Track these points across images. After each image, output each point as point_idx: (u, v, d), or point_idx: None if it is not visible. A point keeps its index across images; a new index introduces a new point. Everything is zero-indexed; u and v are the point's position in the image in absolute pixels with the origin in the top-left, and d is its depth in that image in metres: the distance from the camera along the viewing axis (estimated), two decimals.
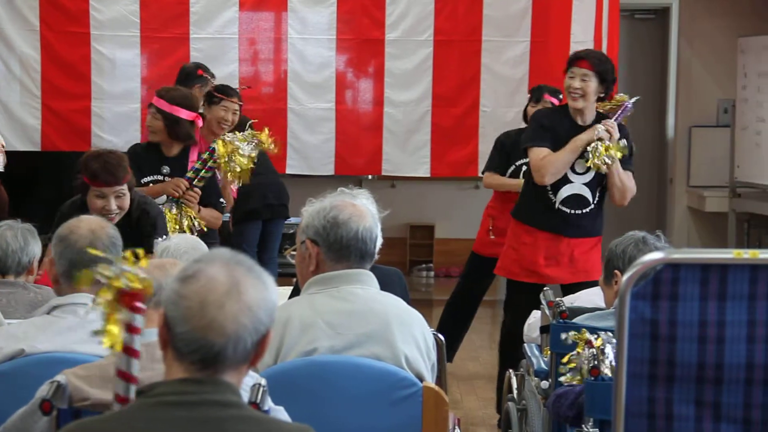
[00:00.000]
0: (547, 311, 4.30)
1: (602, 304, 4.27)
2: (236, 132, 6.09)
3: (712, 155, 10.36)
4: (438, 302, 9.89)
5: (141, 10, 8.23)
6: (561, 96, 7.28)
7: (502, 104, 8.33)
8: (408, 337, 3.26)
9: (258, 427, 2.11)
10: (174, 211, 5.65)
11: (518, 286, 5.81)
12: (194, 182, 5.72)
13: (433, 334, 3.46)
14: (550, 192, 5.67)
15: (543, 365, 4.23)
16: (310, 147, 8.38)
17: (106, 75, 8.25)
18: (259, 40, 8.45)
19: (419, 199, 10.95)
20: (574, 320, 4.03)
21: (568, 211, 5.66)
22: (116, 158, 4.96)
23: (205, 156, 5.79)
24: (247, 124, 6.22)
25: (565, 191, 5.66)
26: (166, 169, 5.79)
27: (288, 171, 8.19)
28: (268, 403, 2.64)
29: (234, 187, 6.23)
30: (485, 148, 8.23)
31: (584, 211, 5.66)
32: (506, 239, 5.94)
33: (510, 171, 6.72)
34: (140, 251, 2.36)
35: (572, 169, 5.66)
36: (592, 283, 5.40)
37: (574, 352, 3.42)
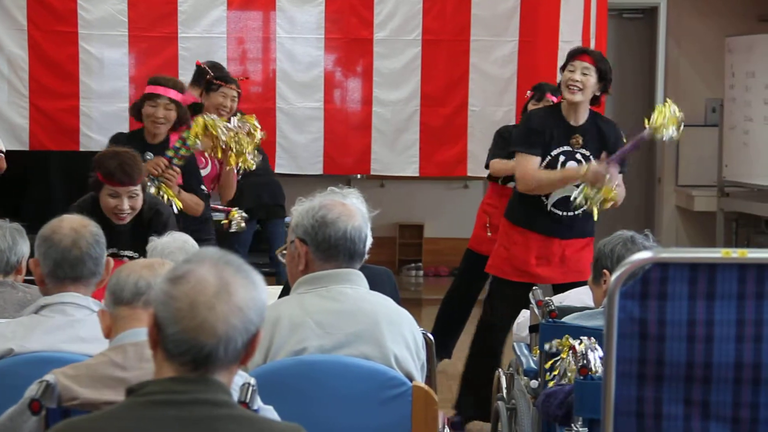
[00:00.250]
0: (536, 310, 4.31)
1: (591, 304, 4.28)
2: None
3: (701, 155, 10.39)
4: (427, 301, 9.89)
5: (129, 10, 8.21)
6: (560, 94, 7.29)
7: (490, 103, 8.33)
8: (397, 336, 3.26)
9: (250, 426, 2.11)
10: (153, 190, 5.66)
11: (505, 283, 5.79)
12: (173, 161, 5.74)
13: (423, 333, 3.47)
14: (543, 194, 5.66)
15: (532, 364, 4.23)
16: (299, 146, 8.37)
17: (94, 74, 8.23)
18: (247, 39, 8.44)
19: (408, 199, 10.95)
20: (563, 319, 4.04)
21: (560, 213, 5.64)
22: (132, 158, 4.97)
23: (184, 135, 5.81)
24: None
25: (557, 193, 5.65)
26: (149, 155, 5.81)
27: (277, 170, 8.18)
28: (258, 403, 2.64)
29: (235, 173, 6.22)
30: (474, 147, 8.24)
31: (577, 212, 5.65)
32: (498, 238, 5.93)
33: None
34: None
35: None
36: (584, 283, 5.44)
37: (558, 358, 3.44)
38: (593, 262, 4.13)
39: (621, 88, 10.82)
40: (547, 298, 4.24)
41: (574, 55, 5.67)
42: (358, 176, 10.19)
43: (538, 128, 5.66)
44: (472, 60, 8.40)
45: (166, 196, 5.69)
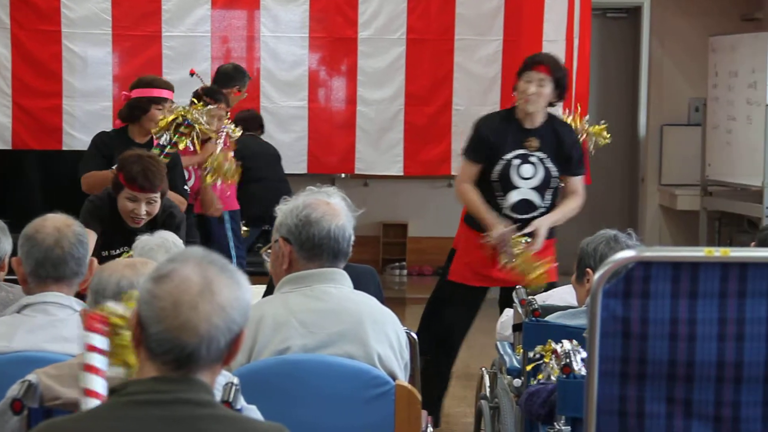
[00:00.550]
0: (519, 309, 4.31)
1: (574, 302, 4.28)
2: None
3: (684, 154, 10.42)
4: (411, 300, 9.90)
5: (112, 8, 8.20)
6: None
7: (475, 102, 8.34)
8: (381, 335, 3.26)
9: (232, 426, 2.11)
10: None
11: (463, 287, 5.74)
12: (161, 153, 5.73)
13: (406, 332, 3.47)
14: (500, 197, 5.63)
15: (515, 363, 4.24)
16: (283, 145, 8.37)
17: (78, 73, 8.21)
18: (231, 38, 8.44)
19: (392, 198, 10.95)
20: (547, 318, 4.04)
21: (516, 216, 5.60)
22: (157, 166, 4.95)
23: (166, 134, 5.82)
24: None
25: (512, 197, 5.60)
26: None
27: None
28: (241, 402, 2.64)
29: (219, 186, 6.22)
30: (458, 146, 8.22)
31: (533, 215, 5.61)
32: (458, 244, 5.89)
33: None
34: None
35: (518, 174, 5.60)
36: (550, 286, 5.44)
37: (541, 361, 3.44)
38: (576, 261, 4.13)
39: (604, 87, 10.85)
40: (530, 297, 4.24)
41: (531, 65, 5.62)
42: (342, 175, 10.19)
43: (487, 135, 5.64)
44: (457, 59, 8.41)
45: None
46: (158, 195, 4.94)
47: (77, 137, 8.14)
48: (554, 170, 5.61)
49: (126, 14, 8.23)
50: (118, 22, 8.22)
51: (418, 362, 3.93)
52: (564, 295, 4.59)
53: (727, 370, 2.61)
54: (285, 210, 3.34)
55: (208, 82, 7.40)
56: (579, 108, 6.94)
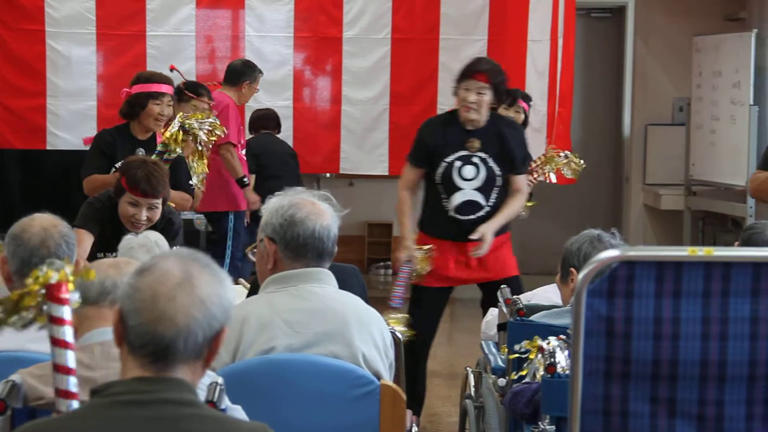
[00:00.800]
0: (504, 309, 4.32)
1: (559, 302, 4.29)
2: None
3: (668, 153, 10.44)
4: None
5: (97, 8, 8.18)
6: (531, 102, 7.33)
7: None
8: (366, 335, 3.26)
9: (214, 425, 2.11)
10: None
11: (425, 290, 5.76)
12: (163, 158, 5.69)
13: (391, 332, 3.47)
14: (444, 200, 5.63)
15: (500, 363, 4.24)
16: None
17: (62, 72, 8.19)
18: (216, 37, 8.42)
19: (377, 197, 10.95)
20: (531, 318, 4.05)
21: (460, 218, 5.61)
22: (160, 172, 4.91)
23: (164, 140, 5.78)
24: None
25: (456, 198, 5.61)
26: (141, 152, 5.78)
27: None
28: (225, 402, 2.63)
29: (194, 182, 6.22)
30: None
31: (478, 215, 5.61)
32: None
33: None
34: None
35: (460, 175, 5.61)
36: (512, 279, 5.50)
37: (526, 357, 3.45)
38: (561, 260, 4.14)
39: (589, 87, 10.87)
40: (515, 297, 4.25)
41: (469, 74, 5.63)
42: (327, 175, 10.18)
43: (427, 140, 5.67)
44: (442, 58, 8.42)
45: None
46: (160, 201, 4.89)
47: (61, 137, 8.12)
48: (497, 170, 5.62)
49: (110, 14, 8.21)
50: (102, 22, 8.20)
51: (403, 362, 3.93)
52: (549, 294, 4.60)
53: (710, 369, 2.62)
54: (270, 209, 3.34)
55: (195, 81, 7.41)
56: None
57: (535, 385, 3.36)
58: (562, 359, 3.25)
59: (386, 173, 8.56)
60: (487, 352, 4.51)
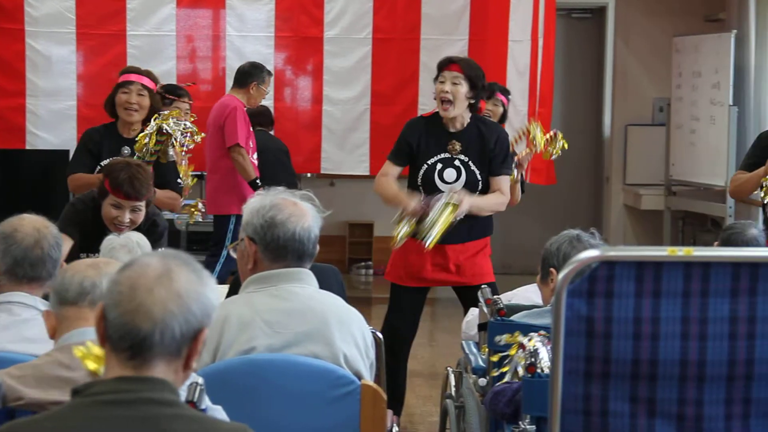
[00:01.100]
0: (485, 309, 4.32)
1: (539, 302, 4.29)
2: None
3: (648, 153, 10.48)
4: (377, 300, 9.89)
5: (77, 7, 8.16)
6: (510, 95, 7.32)
7: None
8: (347, 335, 3.26)
9: (195, 425, 2.11)
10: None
11: (402, 289, 5.77)
12: (144, 159, 5.67)
13: (372, 332, 3.47)
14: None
15: (481, 363, 4.24)
16: None
17: (41, 72, 8.17)
18: (196, 37, 8.41)
19: (358, 197, 10.94)
20: (512, 318, 4.05)
21: None
22: (144, 174, 4.86)
23: (144, 141, 5.77)
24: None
25: (436, 201, 5.62)
26: (126, 150, 5.76)
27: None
28: (206, 402, 2.63)
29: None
30: None
31: (457, 219, 5.62)
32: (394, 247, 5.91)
33: None
34: None
35: (441, 177, 5.61)
36: (487, 286, 5.48)
37: (506, 353, 3.45)
38: (540, 260, 4.15)
39: (569, 87, 10.89)
40: (495, 297, 4.25)
41: (443, 66, 5.64)
42: (308, 175, 10.18)
43: (409, 140, 5.66)
44: (423, 58, 8.43)
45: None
46: (143, 203, 4.86)
47: (41, 136, 8.10)
48: (478, 173, 5.62)
49: (90, 13, 8.19)
50: (82, 21, 8.18)
51: (384, 362, 3.93)
52: (529, 294, 4.60)
53: (690, 369, 2.63)
54: (251, 209, 3.33)
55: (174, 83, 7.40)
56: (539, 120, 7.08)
57: (516, 385, 3.36)
58: (545, 355, 3.25)
59: (367, 173, 8.56)
60: (467, 351, 4.51)
